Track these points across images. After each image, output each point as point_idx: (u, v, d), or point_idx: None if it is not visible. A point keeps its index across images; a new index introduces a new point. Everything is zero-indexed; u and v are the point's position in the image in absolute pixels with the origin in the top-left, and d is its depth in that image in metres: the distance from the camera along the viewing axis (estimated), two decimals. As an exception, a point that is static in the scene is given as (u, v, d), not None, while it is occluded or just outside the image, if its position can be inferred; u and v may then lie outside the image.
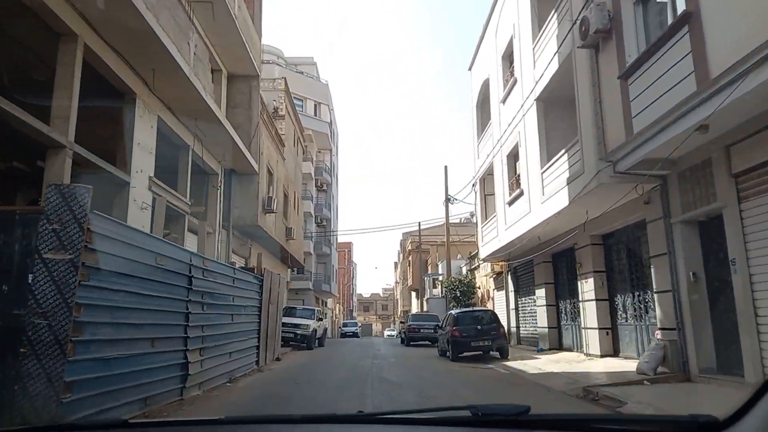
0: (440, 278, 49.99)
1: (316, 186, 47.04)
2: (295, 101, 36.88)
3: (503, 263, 21.90)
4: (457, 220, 66.96)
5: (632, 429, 1.52)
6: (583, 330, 14.41)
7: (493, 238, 19.22)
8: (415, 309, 63.34)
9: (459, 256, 50.44)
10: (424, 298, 50.63)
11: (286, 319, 21.46)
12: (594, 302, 13.39)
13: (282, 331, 20.70)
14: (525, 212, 15.30)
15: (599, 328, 13.15)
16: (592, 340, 13.39)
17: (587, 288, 13.78)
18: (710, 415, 1.27)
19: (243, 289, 12.30)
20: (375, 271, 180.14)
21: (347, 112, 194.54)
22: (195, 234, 16.26)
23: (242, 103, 18.40)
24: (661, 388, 8.43)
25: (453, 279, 28.44)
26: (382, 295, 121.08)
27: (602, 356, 12.95)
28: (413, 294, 64.23)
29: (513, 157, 17.39)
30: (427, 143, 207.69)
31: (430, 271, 51.54)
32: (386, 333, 71.20)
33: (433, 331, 24.04)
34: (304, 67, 46.65)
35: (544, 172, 13.78)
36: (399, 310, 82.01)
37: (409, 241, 58.83)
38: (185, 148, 14.21)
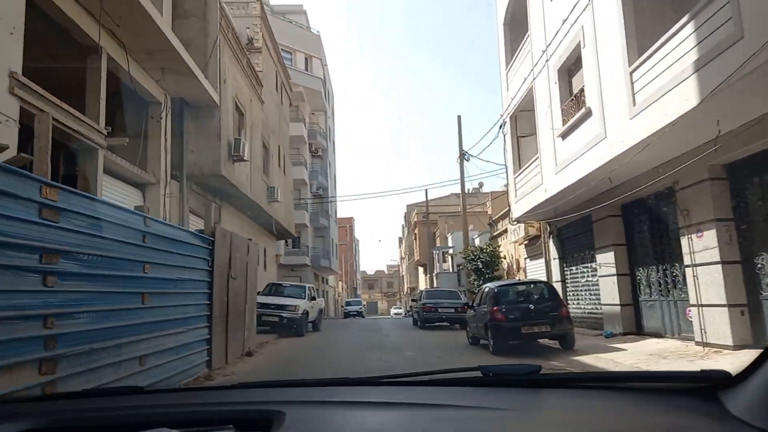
0: (450, 251, 45.45)
1: (310, 151, 42.27)
2: (282, 53, 31.84)
3: (539, 224, 17.26)
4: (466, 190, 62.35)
5: (644, 385, 1.44)
6: (687, 309, 9.80)
7: (533, 189, 14.50)
8: (422, 285, 58.97)
9: (471, 226, 45.82)
10: (433, 274, 46.13)
11: (268, 299, 16.92)
12: (718, 266, 8.71)
13: (265, 315, 16.18)
14: (594, 140, 10.56)
15: (728, 306, 8.49)
16: (715, 322, 8.75)
17: (701, 246, 9.09)
18: (722, 370, 1.26)
19: (169, 254, 7.64)
20: (379, 248, 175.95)
21: (343, 72, 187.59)
22: (129, 184, 11.63)
23: (195, 11, 13.58)
24: None
25: (473, 248, 23.70)
26: (386, 272, 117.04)
27: (736, 347, 8.34)
28: (420, 270, 59.78)
29: (567, 71, 12.59)
30: (433, 108, 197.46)
31: (438, 244, 46.99)
32: (393, 311, 67.06)
33: (454, 311, 19.50)
34: (292, 16, 41.37)
35: (635, 70, 9.01)
36: (405, 286, 77.75)
37: (415, 212, 54.18)
38: (95, 52, 9.45)
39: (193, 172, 13.74)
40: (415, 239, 55.62)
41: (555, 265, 16.36)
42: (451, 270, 45.80)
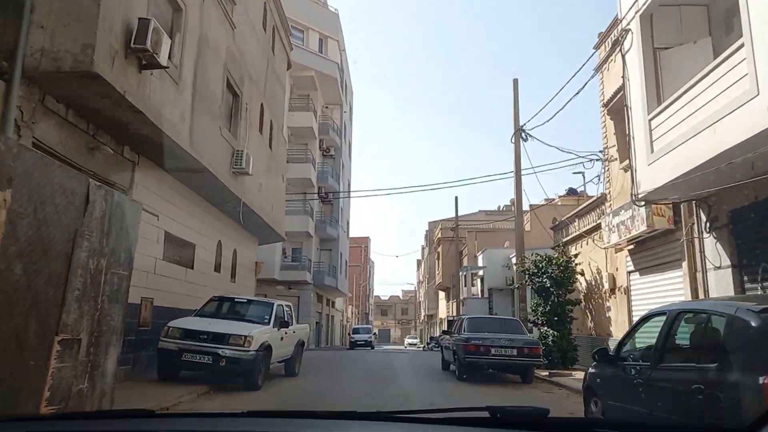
0: (480, 272, 38.22)
1: (320, 149, 35.76)
2: (293, 31, 25.58)
3: (667, 207, 10.23)
4: (494, 208, 54.95)
5: None
6: None
7: (697, 133, 7.51)
8: (443, 312, 51.51)
9: (506, 244, 38.60)
10: (459, 299, 38.85)
11: (200, 324, 9.94)
12: None
13: (188, 352, 9.27)
14: None
15: None
16: None
17: None
18: (732, 424, 1.41)
19: None
20: (394, 271, 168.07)
21: (364, 71, 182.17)
22: None
23: None
24: None
25: (539, 257, 16.59)
26: (402, 297, 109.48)
27: None
28: (441, 295, 52.38)
29: None
30: (467, 114, 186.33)
31: (466, 264, 39.87)
32: (407, 341, 59.54)
33: (517, 353, 12.44)
34: (306, -13, 35.31)
35: None
36: (422, 313, 70.25)
37: (439, 228, 47.16)
38: None
39: (43, 67, 6.99)
40: (438, 259, 48.47)
41: (719, 278, 9.09)
42: (480, 295, 38.54)
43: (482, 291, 37.69)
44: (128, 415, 1.80)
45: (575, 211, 18.51)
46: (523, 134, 18.04)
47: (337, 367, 16.82)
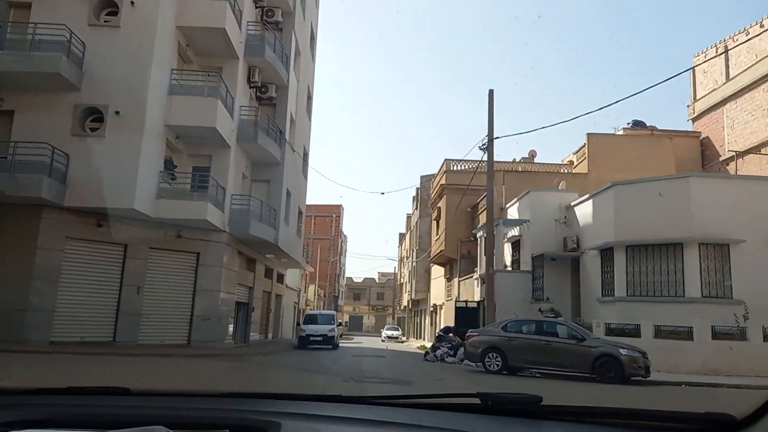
0: (515, 231, 23.68)
1: (256, 3, 20.66)
2: None
3: None
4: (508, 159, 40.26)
5: (646, 423, 1.47)
6: None
7: None
8: (437, 296, 37.00)
9: (561, 184, 24.08)
10: (479, 273, 24.28)
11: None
12: None
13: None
14: None
15: None
16: None
17: None
18: (727, 414, 1.26)
19: None
20: (370, 247, 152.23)
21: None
22: None
23: None
24: None
25: None
26: (377, 280, 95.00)
27: None
28: (436, 272, 37.83)
29: None
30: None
31: (480, 224, 25.34)
32: (386, 332, 45.11)
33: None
34: None
35: None
36: (405, 298, 55.74)
37: (442, 173, 32.37)
38: None
39: None
40: (437, 220, 33.75)
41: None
42: (511, 267, 23.83)
43: (518, 260, 23.16)
44: (102, 392, 1.76)
45: None
46: None
47: None
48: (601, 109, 33.69)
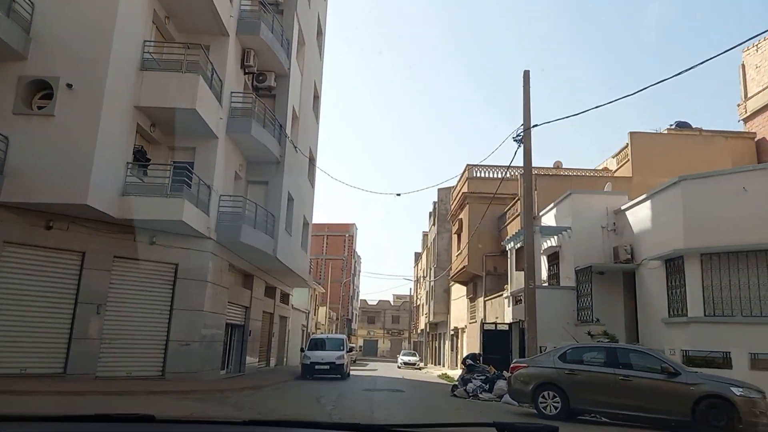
0: (553, 241, 20.36)
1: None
2: None
3: None
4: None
5: None
6: None
7: None
8: (459, 319, 33.54)
9: (608, 186, 20.67)
10: (510, 290, 21.07)
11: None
12: None
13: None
14: None
15: None
16: None
17: None
18: None
19: None
20: (384, 265, 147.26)
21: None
22: None
23: None
24: None
25: None
26: (392, 303, 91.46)
27: None
28: (457, 291, 34.54)
29: None
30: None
31: (511, 234, 22.11)
32: (402, 358, 41.57)
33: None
34: None
35: None
36: (422, 321, 52.20)
37: (464, 180, 29.24)
38: None
39: None
40: (459, 233, 30.51)
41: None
42: (547, 281, 20.39)
43: (557, 275, 19.83)
44: (129, 419, 1.79)
45: None
46: None
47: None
48: (639, 92, 30.43)
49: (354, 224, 72.23)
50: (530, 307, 14.37)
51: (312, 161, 25.59)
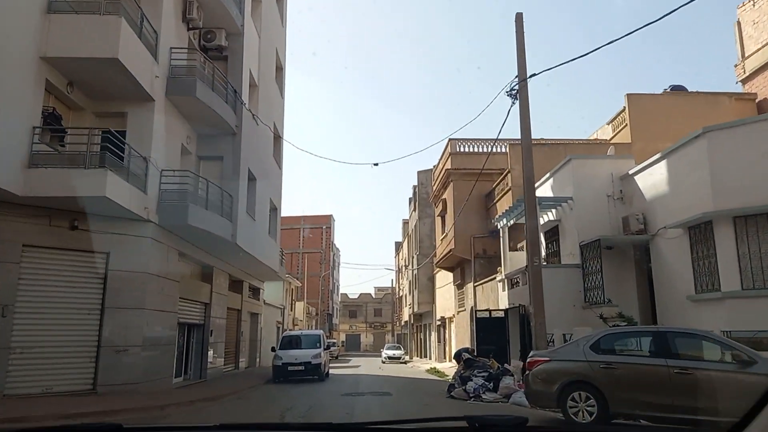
0: (551, 215, 17.93)
1: None
2: None
3: None
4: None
5: None
6: None
7: None
8: (445, 308, 31.36)
9: (611, 150, 18.19)
10: (501, 277, 18.91)
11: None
12: None
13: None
14: None
15: None
16: None
17: None
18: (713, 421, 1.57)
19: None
20: (365, 253, 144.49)
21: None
22: None
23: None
24: None
25: None
26: (374, 296, 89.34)
27: None
28: (443, 278, 32.40)
29: None
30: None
31: (501, 211, 19.96)
32: (386, 353, 39.32)
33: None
34: None
35: None
36: (405, 313, 49.98)
37: (446, 156, 26.90)
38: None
39: None
40: (442, 216, 28.21)
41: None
42: (545, 259, 18.01)
43: (557, 252, 17.65)
44: (96, 429, 1.75)
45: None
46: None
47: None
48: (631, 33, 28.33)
49: (331, 215, 69.64)
50: (536, 289, 12.10)
51: (278, 138, 22.99)
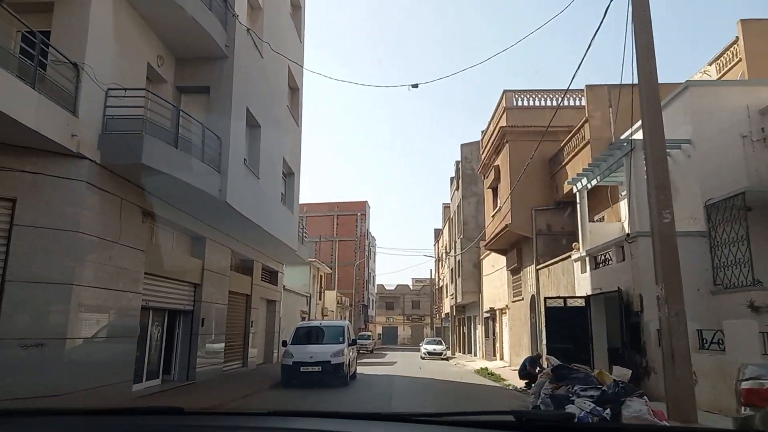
0: (683, 150, 12.93)
1: None
2: None
3: None
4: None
5: None
6: None
7: None
8: (497, 299, 26.80)
9: (741, 73, 13.34)
10: (580, 254, 14.33)
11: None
12: None
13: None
14: None
15: None
16: None
17: None
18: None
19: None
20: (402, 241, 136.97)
21: None
22: None
23: None
24: None
25: None
26: (412, 287, 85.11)
27: None
28: (492, 263, 27.89)
29: None
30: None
31: (573, 175, 15.51)
32: (426, 347, 35.16)
33: None
34: None
35: None
36: (446, 303, 45.50)
37: (501, 113, 22.25)
38: None
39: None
40: (494, 188, 23.62)
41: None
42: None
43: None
44: (158, 412, 1.84)
45: None
46: None
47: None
48: None
49: (366, 202, 65.59)
50: (667, 260, 7.59)
51: (295, 91, 18.91)
